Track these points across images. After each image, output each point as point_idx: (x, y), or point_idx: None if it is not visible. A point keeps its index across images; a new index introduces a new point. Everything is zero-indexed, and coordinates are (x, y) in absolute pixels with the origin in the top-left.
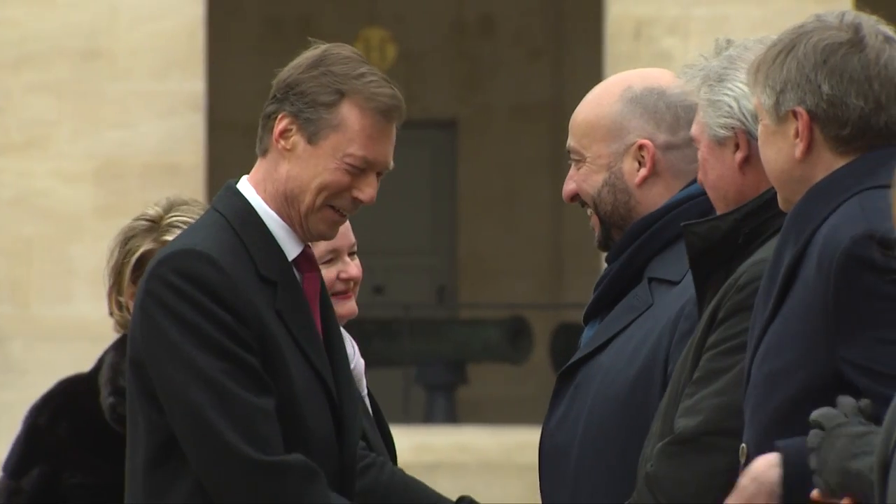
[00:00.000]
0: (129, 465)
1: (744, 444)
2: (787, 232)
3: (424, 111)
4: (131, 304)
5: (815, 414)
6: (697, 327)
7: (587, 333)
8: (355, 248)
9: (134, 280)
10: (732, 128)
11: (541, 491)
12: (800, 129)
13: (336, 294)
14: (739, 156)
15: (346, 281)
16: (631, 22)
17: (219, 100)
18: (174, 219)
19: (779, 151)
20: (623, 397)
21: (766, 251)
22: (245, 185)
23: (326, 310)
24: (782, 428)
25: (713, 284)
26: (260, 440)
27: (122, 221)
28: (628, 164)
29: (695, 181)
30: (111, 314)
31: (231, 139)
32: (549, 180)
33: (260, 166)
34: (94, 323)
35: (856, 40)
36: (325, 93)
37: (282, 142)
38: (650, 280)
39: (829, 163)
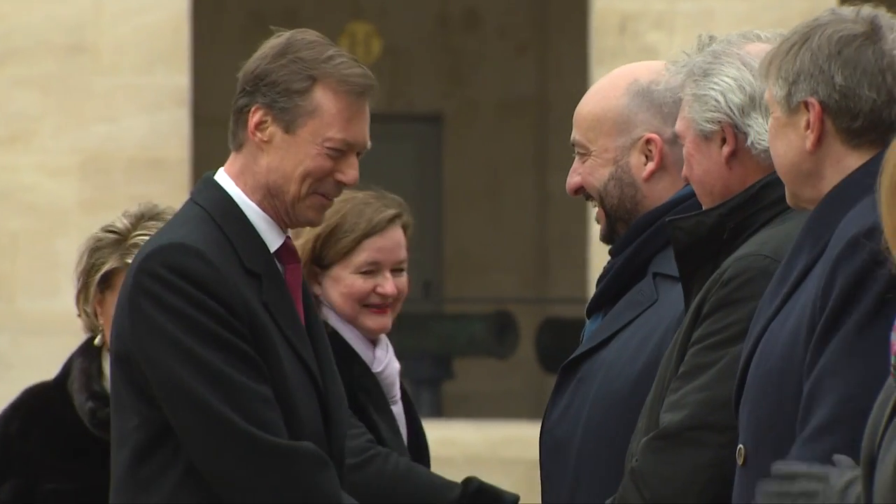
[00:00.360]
0: (115, 460)
1: (741, 446)
2: (804, 237)
3: (409, 106)
4: (98, 312)
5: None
6: (682, 322)
7: (590, 327)
8: (403, 266)
9: (100, 292)
10: (719, 122)
11: (541, 484)
12: (811, 119)
13: (370, 306)
14: (726, 150)
15: (383, 296)
16: (616, 16)
17: (204, 94)
18: (139, 238)
19: (789, 144)
20: (625, 393)
21: (750, 246)
22: (223, 178)
23: (308, 301)
24: (775, 430)
25: (699, 279)
26: (266, 424)
27: (108, 216)
28: (635, 158)
29: None
30: (78, 315)
31: (216, 133)
32: (535, 175)
33: (236, 160)
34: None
35: (871, 33)
36: (297, 80)
37: (258, 134)
38: (655, 275)
39: (840, 156)
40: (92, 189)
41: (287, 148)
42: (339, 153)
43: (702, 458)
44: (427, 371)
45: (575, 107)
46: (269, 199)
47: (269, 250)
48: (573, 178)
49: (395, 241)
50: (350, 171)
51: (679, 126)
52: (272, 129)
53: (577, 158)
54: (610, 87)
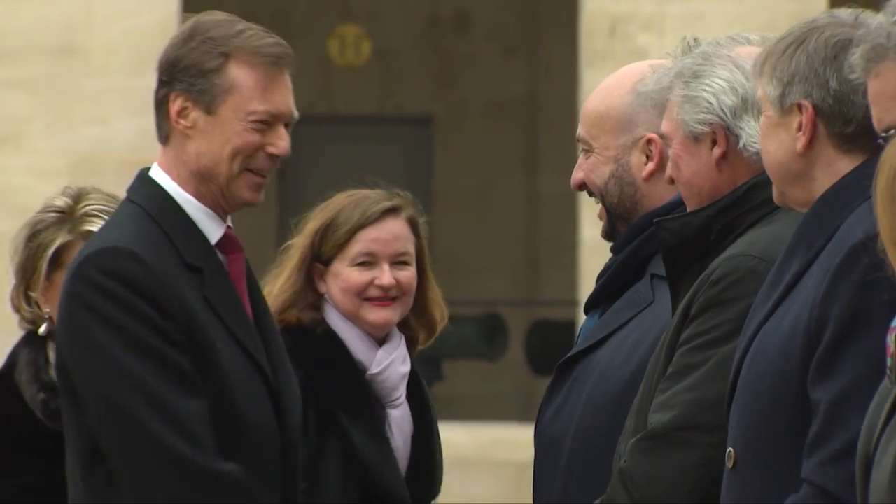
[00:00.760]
0: (68, 465)
1: (731, 449)
2: (797, 240)
3: (399, 108)
4: (48, 298)
5: None
6: (670, 323)
7: (587, 324)
8: (405, 259)
9: (50, 273)
10: (711, 123)
11: (533, 481)
12: (804, 122)
13: (370, 300)
14: (717, 151)
15: (382, 288)
16: (606, 18)
17: None
18: (88, 207)
19: (780, 144)
20: (618, 394)
21: (739, 246)
22: (158, 172)
23: (255, 291)
24: (766, 434)
25: (686, 281)
26: (195, 440)
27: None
28: (636, 158)
29: None
30: (17, 310)
31: None
32: (525, 177)
33: (165, 153)
34: None
35: None
36: (209, 59)
37: (181, 122)
38: (652, 276)
39: (830, 159)
40: None
41: (212, 129)
42: (265, 125)
43: (691, 458)
44: None
45: (565, 108)
46: (204, 185)
47: (209, 242)
48: (577, 174)
49: (391, 232)
50: (280, 142)
51: (666, 127)
52: (194, 114)
53: (581, 154)
54: (616, 85)
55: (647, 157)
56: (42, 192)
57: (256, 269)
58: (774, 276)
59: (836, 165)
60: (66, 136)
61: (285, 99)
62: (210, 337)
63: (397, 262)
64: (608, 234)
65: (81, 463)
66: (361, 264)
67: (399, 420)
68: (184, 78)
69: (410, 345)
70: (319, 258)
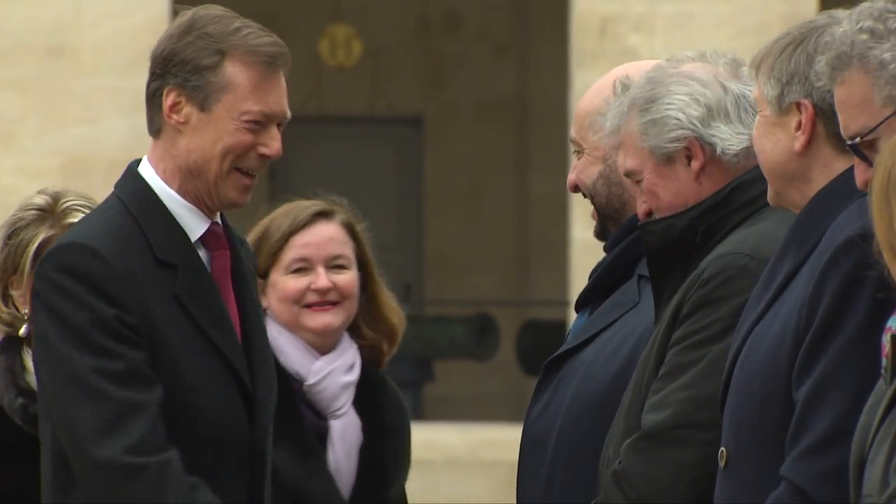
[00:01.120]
0: (42, 464)
1: (723, 448)
2: (790, 240)
3: (390, 108)
4: (22, 302)
5: None
6: (659, 325)
7: (577, 322)
8: (341, 262)
9: (31, 270)
10: (683, 139)
11: (517, 479)
12: (803, 121)
13: (308, 306)
14: (696, 165)
15: (318, 291)
16: (596, 19)
17: None
18: (70, 203)
19: (776, 143)
20: (601, 395)
21: (728, 245)
22: (145, 167)
23: (243, 288)
24: (758, 433)
25: (670, 283)
26: (120, 438)
27: None
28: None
29: None
30: None
31: None
32: (515, 177)
33: (156, 147)
34: None
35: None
36: (206, 56)
37: (174, 116)
38: (640, 277)
39: (827, 159)
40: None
41: (204, 126)
42: (258, 125)
43: (687, 457)
44: (407, 373)
45: (555, 109)
46: (191, 181)
47: (188, 238)
48: (570, 175)
49: (323, 235)
50: (272, 142)
51: (632, 163)
52: (187, 110)
53: (574, 156)
54: (604, 86)
55: None
56: (32, 192)
57: None
58: (767, 276)
59: (833, 166)
60: (56, 137)
61: (279, 99)
62: (167, 334)
63: (334, 265)
64: (600, 234)
65: (52, 460)
66: (296, 271)
67: (341, 431)
68: (179, 73)
69: (375, 355)
70: (258, 273)
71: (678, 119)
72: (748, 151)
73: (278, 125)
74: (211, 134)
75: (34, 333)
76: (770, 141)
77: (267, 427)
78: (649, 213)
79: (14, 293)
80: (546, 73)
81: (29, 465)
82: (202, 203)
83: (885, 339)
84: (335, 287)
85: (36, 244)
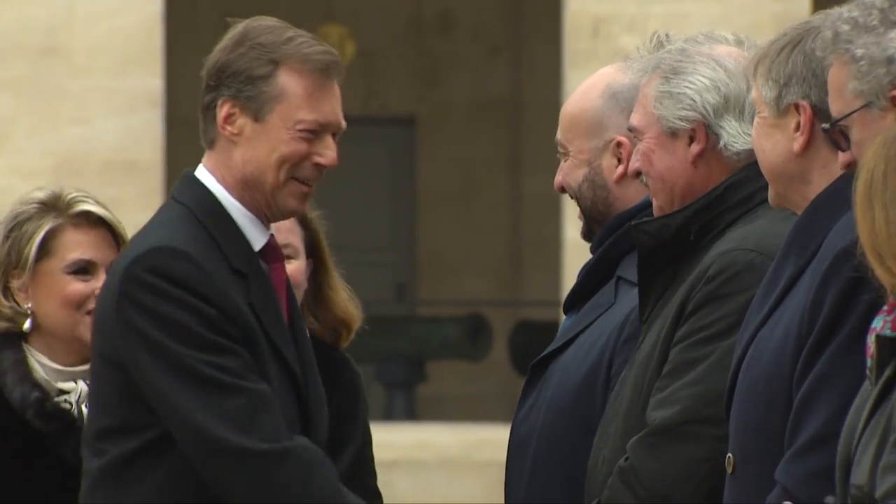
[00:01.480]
0: (90, 460)
1: (730, 455)
2: (790, 244)
3: (383, 108)
4: (34, 291)
5: None
6: (655, 324)
7: (564, 324)
8: (287, 251)
9: (37, 262)
10: (692, 120)
11: (505, 480)
12: (802, 122)
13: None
14: (696, 148)
15: None
16: (589, 19)
17: (177, 96)
18: (74, 195)
19: (775, 144)
20: (574, 395)
21: (731, 241)
22: (205, 174)
23: (292, 302)
24: (763, 438)
25: (659, 284)
26: (256, 429)
27: None
28: (607, 161)
29: None
30: None
31: (189, 135)
32: (508, 177)
33: (210, 158)
34: None
35: None
36: (259, 66)
37: (228, 128)
38: (618, 279)
39: (827, 160)
40: None
41: (259, 137)
42: (313, 135)
43: (698, 452)
44: (400, 374)
45: (548, 109)
46: (249, 192)
47: (253, 249)
48: (557, 177)
49: (284, 226)
50: (328, 152)
51: (639, 121)
52: (241, 121)
53: (561, 158)
54: (589, 88)
55: (619, 159)
56: (25, 192)
57: None
58: (769, 280)
59: (833, 167)
60: (49, 137)
61: (333, 108)
62: (258, 342)
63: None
64: (586, 235)
65: (112, 459)
66: None
67: None
68: (232, 84)
69: (334, 338)
70: None
71: (693, 101)
72: (750, 153)
73: (333, 135)
74: (265, 144)
75: (125, 336)
76: (769, 142)
77: (322, 440)
78: (638, 174)
79: (13, 285)
80: (539, 74)
81: (26, 462)
82: (262, 213)
83: (870, 340)
84: None
85: (41, 235)
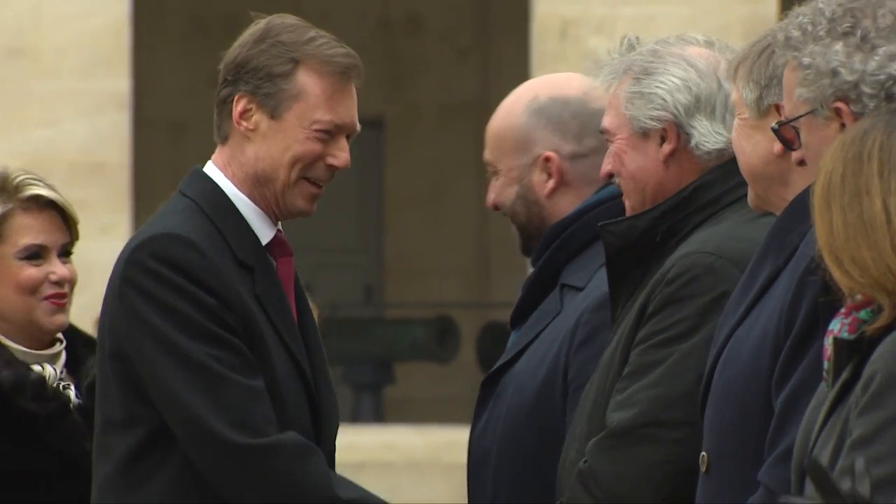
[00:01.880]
0: (100, 459)
1: (704, 453)
2: (768, 245)
3: None
4: None
5: None
6: (619, 325)
7: (512, 338)
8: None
9: None
10: (663, 120)
11: (468, 497)
12: None
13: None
14: (667, 148)
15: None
16: (557, 21)
17: (144, 98)
18: (22, 177)
19: (756, 146)
20: (531, 405)
21: (693, 244)
22: (212, 169)
23: (300, 296)
24: (738, 438)
25: (628, 285)
26: (249, 423)
27: None
28: (537, 176)
29: (606, 185)
30: None
31: (157, 137)
32: (477, 179)
33: (222, 152)
34: None
35: None
36: (279, 64)
37: (243, 123)
38: (562, 286)
39: (811, 170)
40: None
41: (274, 134)
42: (328, 135)
43: (656, 455)
44: (368, 376)
45: None
46: (259, 188)
47: (260, 243)
48: (489, 196)
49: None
50: (341, 153)
51: (610, 122)
52: (257, 117)
53: (491, 177)
54: (512, 105)
55: (548, 174)
56: None
57: None
58: (746, 280)
59: (812, 168)
60: (16, 138)
61: (350, 111)
62: (263, 334)
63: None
64: (524, 251)
65: (122, 455)
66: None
67: None
68: (251, 80)
69: None
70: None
71: (665, 100)
72: (721, 153)
73: (347, 137)
74: (280, 142)
75: (127, 321)
76: (749, 144)
77: (333, 433)
78: (610, 175)
79: None
80: (508, 76)
81: (22, 448)
82: (270, 210)
83: (828, 343)
84: None
85: None
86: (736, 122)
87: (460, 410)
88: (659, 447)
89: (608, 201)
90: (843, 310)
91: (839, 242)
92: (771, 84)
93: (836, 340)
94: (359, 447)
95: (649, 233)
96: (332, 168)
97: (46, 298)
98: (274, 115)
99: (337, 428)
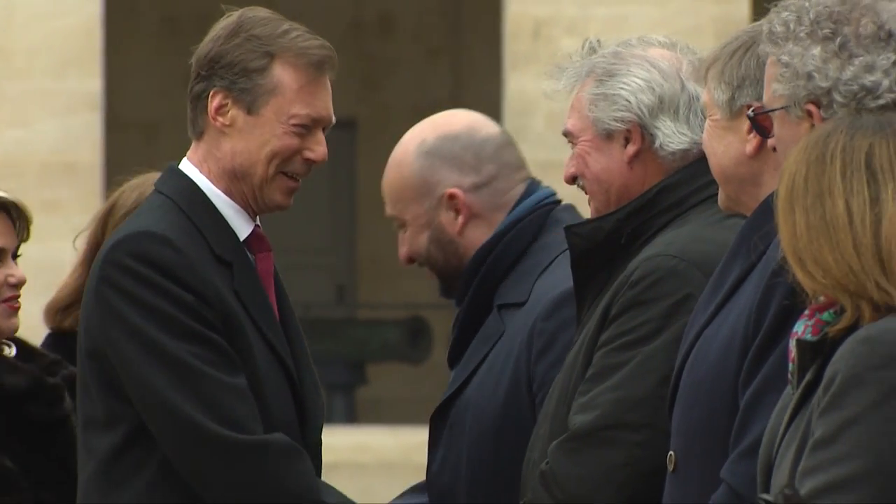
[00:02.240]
0: (84, 459)
1: (671, 452)
2: (739, 245)
3: None
4: None
5: None
6: (583, 327)
7: (453, 374)
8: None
9: None
10: (627, 121)
11: None
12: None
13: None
14: (631, 149)
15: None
16: (529, 21)
17: (116, 98)
18: None
19: (728, 147)
20: (496, 428)
21: (656, 247)
22: (187, 166)
23: (281, 291)
24: (706, 437)
25: (594, 287)
26: (233, 420)
27: None
28: (444, 216)
29: (517, 206)
30: None
31: (128, 137)
32: None
33: (197, 148)
34: None
35: None
36: (254, 58)
37: (219, 119)
38: (500, 308)
39: (779, 163)
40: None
41: (251, 129)
42: (305, 129)
43: (617, 458)
44: (341, 376)
45: (489, 111)
46: (236, 184)
47: (238, 238)
48: (401, 251)
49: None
50: (318, 147)
51: (573, 125)
52: (234, 112)
53: (399, 231)
54: (403, 154)
55: (456, 210)
56: None
57: None
58: (716, 280)
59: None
60: None
61: (326, 104)
62: (243, 329)
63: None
64: (445, 294)
65: (104, 455)
66: None
67: None
68: (226, 75)
69: None
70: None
71: (628, 101)
72: (685, 154)
73: (323, 129)
74: (258, 137)
75: (103, 320)
76: (721, 145)
77: (318, 427)
78: (574, 178)
79: None
80: (480, 76)
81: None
82: (247, 205)
83: (792, 345)
84: None
85: None
86: (707, 123)
87: (433, 411)
88: (620, 450)
89: (525, 218)
90: (806, 311)
91: (802, 244)
92: (743, 85)
93: (800, 342)
94: (331, 448)
95: (614, 234)
96: (309, 162)
97: (5, 301)
98: (251, 110)
99: (322, 422)
